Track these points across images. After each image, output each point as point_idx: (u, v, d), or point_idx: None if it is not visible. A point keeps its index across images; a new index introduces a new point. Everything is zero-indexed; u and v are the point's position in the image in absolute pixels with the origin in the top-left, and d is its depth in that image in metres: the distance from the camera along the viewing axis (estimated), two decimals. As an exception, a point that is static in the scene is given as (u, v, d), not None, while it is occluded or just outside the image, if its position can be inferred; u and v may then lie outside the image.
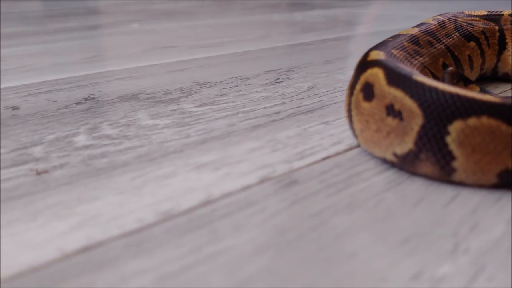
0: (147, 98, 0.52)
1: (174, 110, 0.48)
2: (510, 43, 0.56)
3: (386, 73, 0.34)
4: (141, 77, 0.62)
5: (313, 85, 0.57)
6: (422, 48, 0.46)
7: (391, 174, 0.33)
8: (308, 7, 1.54)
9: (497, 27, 0.57)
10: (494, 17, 0.59)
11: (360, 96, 0.35)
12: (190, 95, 0.53)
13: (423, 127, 0.31)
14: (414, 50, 0.44)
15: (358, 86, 0.36)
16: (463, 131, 0.30)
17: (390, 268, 0.23)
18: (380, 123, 0.33)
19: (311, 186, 0.32)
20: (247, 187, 0.31)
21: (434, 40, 0.49)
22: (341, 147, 0.38)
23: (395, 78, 0.33)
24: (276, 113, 0.47)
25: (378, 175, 0.33)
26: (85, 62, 0.71)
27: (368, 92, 0.34)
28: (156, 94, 0.53)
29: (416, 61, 0.42)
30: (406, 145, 0.32)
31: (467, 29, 0.55)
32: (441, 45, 0.49)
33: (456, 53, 0.50)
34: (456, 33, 0.53)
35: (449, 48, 0.50)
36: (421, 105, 0.31)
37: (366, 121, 0.34)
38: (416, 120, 0.31)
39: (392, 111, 0.32)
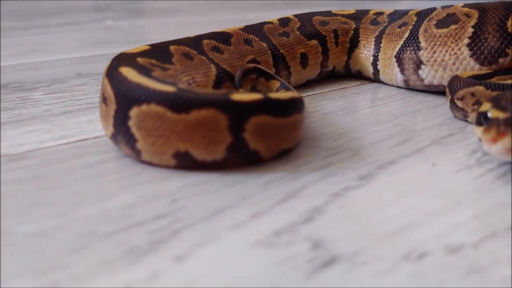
0: (15, 87, 0.58)
1: (20, 97, 0.54)
2: (362, 42, 0.58)
3: (110, 64, 0.38)
4: (39, 69, 0.68)
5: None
6: (229, 46, 0.49)
7: (113, 155, 0.37)
8: (300, 6, 1.56)
9: (354, 26, 0.59)
10: (358, 16, 0.61)
11: (102, 85, 0.40)
12: (54, 84, 0.59)
13: (115, 112, 0.35)
14: (213, 46, 0.48)
15: (105, 76, 0.40)
16: (139, 116, 0.34)
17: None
18: (100, 108, 0.38)
19: (28, 162, 0.36)
20: (-26, 161, 0.37)
21: (256, 38, 0.52)
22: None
23: (109, 69, 0.37)
24: (104, 102, 0.52)
25: (99, 155, 0.37)
26: (14, 55, 0.78)
27: (102, 81, 0.39)
28: (26, 84, 0.59)
29: (204, 57, 0.46)
30: (110, 128, 0.36)
31: (315, 27, 0.58)
32: (264, 43, 0.52)
33: (281, 51, 0.53)
34: (297, 32, 0.56)
35: (274, 46, 0.53)
36: (114, 93, 0.35)
37: (98, 107, 0.39)
38: (112, 106, 0.35)
39: (104, 98, 0.37)
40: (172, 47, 0.44)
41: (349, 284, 0.23)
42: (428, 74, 0.51)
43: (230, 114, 0.33)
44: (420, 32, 0.52)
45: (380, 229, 0.27)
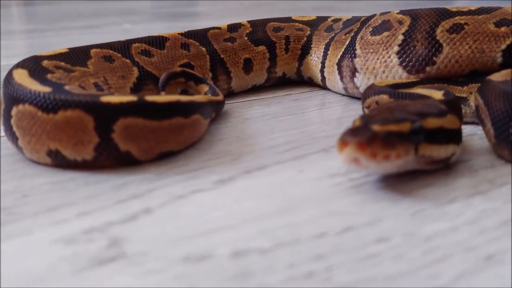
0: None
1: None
2: (314, 48, 0.58)
3: (12, 67, 0.40)
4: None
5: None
6: (162, 50, 0.51)
7: (12, 151, 0.39)
8: (326, 11, 1.55)
9: (308, 33, 0.59)
10: (316, 22, 0.61)
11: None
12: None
13: (3, 111, 0.37)
14: (142, 50, 0.49)
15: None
16: (17, 115, 0.36)
17: None
18: (1, 108, 0.40)
19: None
20: None
21: (195, 43, 0.53)
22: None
23: (8, 71, 0.39)
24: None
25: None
26: (12, 56, 0.83)
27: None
28: (-4, 83, 0.63)
29: (128, 60, 0.47)
30: (2, 126, 0.38)
31: (266, 33, 0.58)
32: (203, 48, 0.53)
33: (222, 56, 0.54)
34: (245, 38, 0.57)
35: (215, 51, 0.53)
36: (2, 93, 0.37)
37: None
38: (2, 105, 0.38)
39: (0, 99, 0.39)
40: (93, 50, 0.46)
41: (113, 282, 0.23)
42: (362, 82, 0.50)
43: (95, 115, 0.34)
44: (357, 39, 0.51)
45: (187, 231, 0.27)
